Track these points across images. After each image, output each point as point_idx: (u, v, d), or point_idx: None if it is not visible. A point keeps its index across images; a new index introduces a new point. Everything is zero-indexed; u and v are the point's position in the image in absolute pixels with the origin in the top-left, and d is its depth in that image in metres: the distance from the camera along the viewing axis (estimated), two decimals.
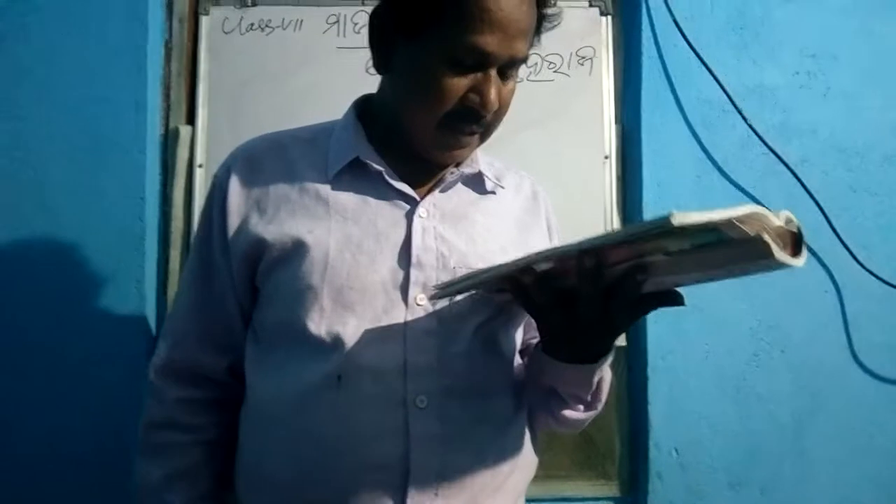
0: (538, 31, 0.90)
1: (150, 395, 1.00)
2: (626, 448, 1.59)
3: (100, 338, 1.41)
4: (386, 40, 0.89)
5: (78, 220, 1.43)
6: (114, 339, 1.41)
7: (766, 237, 0.58)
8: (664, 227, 0.57)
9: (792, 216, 0.61)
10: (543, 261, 0.73)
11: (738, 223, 0.58)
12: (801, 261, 0.61)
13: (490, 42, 0.82)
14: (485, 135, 0.93)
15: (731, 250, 0.61)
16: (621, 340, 1.55)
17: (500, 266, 0.76)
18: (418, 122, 0.89)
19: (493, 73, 0.85)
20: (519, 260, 0.74)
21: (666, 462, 1.51)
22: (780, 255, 0.59)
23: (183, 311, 1.00)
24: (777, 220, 0.60)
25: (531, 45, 0.89)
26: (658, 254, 0.67)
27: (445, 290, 0.85)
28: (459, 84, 0.84)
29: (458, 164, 0.97)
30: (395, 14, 0.87)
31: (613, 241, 0.67)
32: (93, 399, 1.40)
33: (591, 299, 0.74)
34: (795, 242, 0.62)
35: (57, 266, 1.42)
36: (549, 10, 0.90)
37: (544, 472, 1.50)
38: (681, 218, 0.56)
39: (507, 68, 0.87)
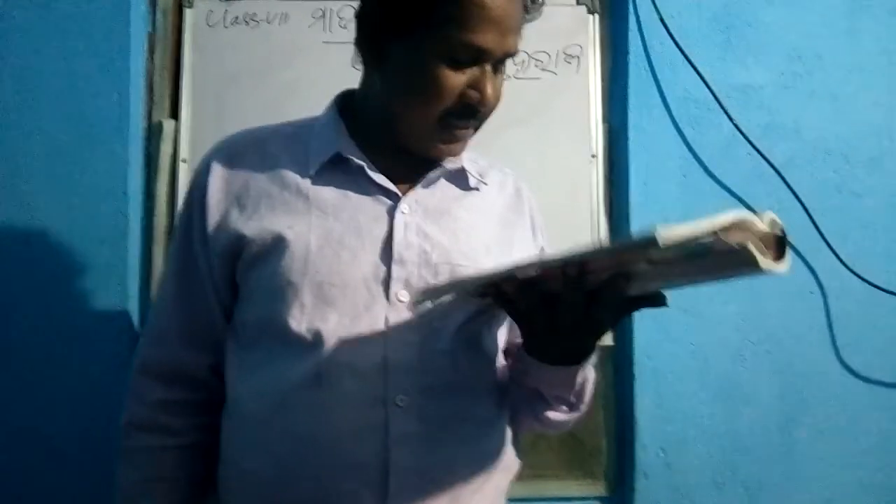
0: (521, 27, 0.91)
1: (131, 394, 0.98)
2: (612, 447, 1.59)
3: (82, 334, 1.40)
4: (378, 37, 0.88)
5: (60, 215, 1.41)
6: (96, 336, 1.40)
7: (751, 246, 0.58)
8: (649, 245, 0.57)
9: (776, 218, 0.62)
10: (526, 270, 0.73)
11: (723, 236, 0.58)
12: (784, 266, 0.61)
13: (488, 39, 0.83)
14: (476, 129, 0.93)
15: (716, 260, 0.61)
16: (608, 340, 1.55)
17: (482, 276, 0.76)
18: (416, 118, 0.88)
19: (489, 68, 0.86)
20: (501, 269, 0.74)
21: (652, 461, 1.51)
22: (766, 263, 0.59)
23: (163, 309, 0.98)
24: (762, 225, 0.60)
25: (519, 41, 0.90)
26: (642, 262, 0.67)
27: (425, 295, 0.84)
28: (458, 80, 0.85)
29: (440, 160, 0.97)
30: (387, 12, 0.86)
31: (598, 256, 0.67)
32: (75, 396, 1.39)
33: (574, 304, 0.75)
34: (779, 245, 0.62)
35: (38, 261, 1.40)
36: (531, 4, 0.90)
37: (531, 472, 1.49)
38: (666, 235, 0.56)
39: (499, 63, 0.88)
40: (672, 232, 0.56)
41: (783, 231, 0.62)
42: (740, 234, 0.59)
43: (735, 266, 0.61)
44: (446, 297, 0.86)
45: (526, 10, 0.89)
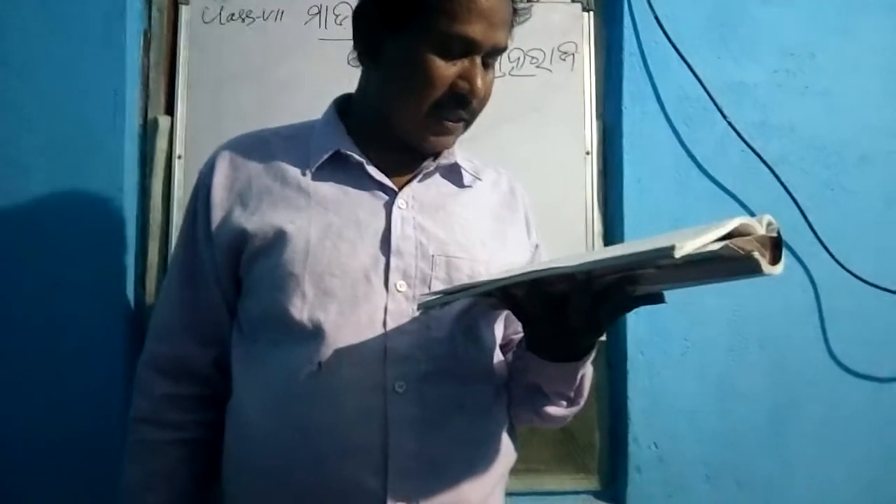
0: (511, 25, 0.94)
1: (137, 389, 1.01)
2: (605, 442, 1.60)
3: (77, 330, 1.39)
4: (373, 35, 0.92)
5: (55, 212, 1.41)
6: (91, 332, 1.40)
7: (757, 255, 0.61)
8: (664, 257, 0.59)
9: (773, 220, 0.64)
10: (535, 277, 0.75)
11: (733, 246, 0.61)
12: (779, 268, 0.64)
13: (477, 31, 0.87)
14: (468, 123, 0.96)
15: (720, 265, 0.64)
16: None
17: (491, 281, 0.78)
18: (409, 110, 0.91)
19: (479, 60, 0.89)
20: (511, 277, 0.76)
21: (645, 456, 1.52)
22: (768, 268, 0.62)
23: (168, 305, 1.01)
24: (760, 229, 0.63)
25: (509, 37, 0.93)
26: (650, 268, 0.70)
27: (433, 300, 0.85)
28: (449, 71, 0.89)
29: (435, 157, 0.99)
30: (381, 8, 0.90)
31: (611, 266, 0.70)
32: (70, 392, 1.38)
33: (581, 307, 0.77)
34: (774, 246, 0.64)
35: (33, 257, 1.40)
36: (520, 5, 0.94)
37: (525, 466, 1.50)
38: (682, 249, 0.58)
39: (489, 57, 0.91)
40: (687, 245, 0.58)
41: (779, 233, 0.64)
42: (743, 242, 0.62)
43: (738, 270, 0.64)
44: (454, 302, 0.87)
45: (515, 9, 0.93)
